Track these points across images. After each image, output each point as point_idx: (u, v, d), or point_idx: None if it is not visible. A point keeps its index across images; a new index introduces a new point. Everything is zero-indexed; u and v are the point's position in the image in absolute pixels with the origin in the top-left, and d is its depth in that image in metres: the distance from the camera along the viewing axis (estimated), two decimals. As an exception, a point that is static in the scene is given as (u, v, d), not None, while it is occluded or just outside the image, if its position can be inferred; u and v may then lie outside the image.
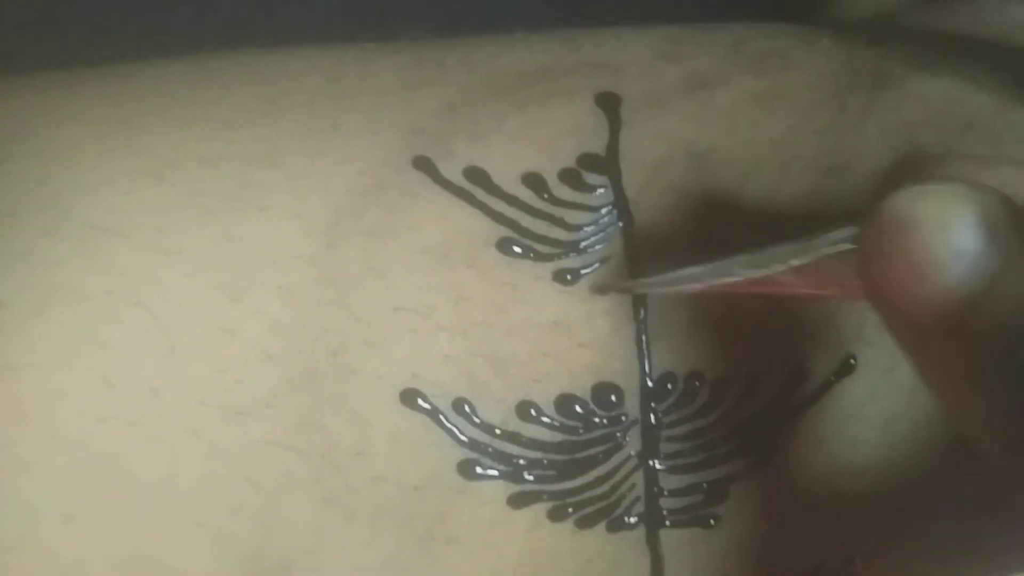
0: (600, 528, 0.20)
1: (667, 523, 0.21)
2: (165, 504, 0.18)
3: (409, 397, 0.19)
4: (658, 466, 0.20)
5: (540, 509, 0.20)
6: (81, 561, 0.18)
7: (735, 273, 0.18)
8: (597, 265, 0.20)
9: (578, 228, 0.20)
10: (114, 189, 0.19)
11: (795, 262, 0.17)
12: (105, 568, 0.18)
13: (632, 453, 0.20)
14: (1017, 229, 0.15)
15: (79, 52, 0.22)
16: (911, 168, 0.17)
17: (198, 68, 0.22)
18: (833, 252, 0.16)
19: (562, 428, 0.20)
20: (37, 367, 0.18)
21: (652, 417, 0.20)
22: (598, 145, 0.20)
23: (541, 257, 0.20)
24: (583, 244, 0.20)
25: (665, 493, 0.20)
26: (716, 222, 0.20)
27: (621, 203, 0.20)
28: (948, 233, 0.15)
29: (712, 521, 0.21)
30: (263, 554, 0.19)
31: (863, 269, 0.16)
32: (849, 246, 0.16)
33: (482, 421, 0.20)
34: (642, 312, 0.20)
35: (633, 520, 0.20)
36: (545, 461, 0.20)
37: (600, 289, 0.20)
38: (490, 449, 0.20)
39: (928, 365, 0.16)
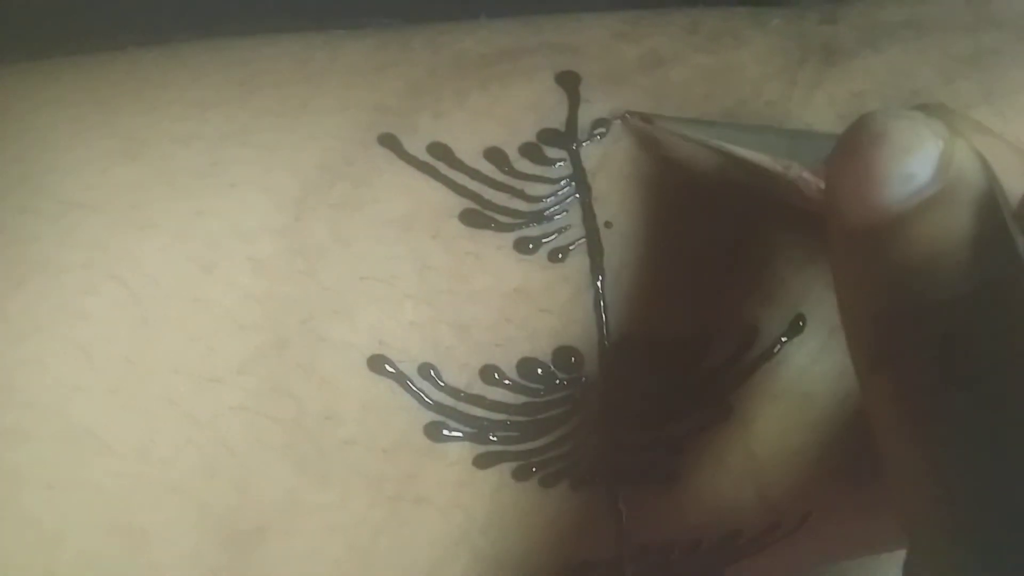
0: (563, 486, 0.21)
1: (627, 480, 0.21)
2: (142, 470, 0.19)
3: (376, 363, 0.20)
4: (617, 425, 0.21)
5: (505, 469, 0.21)
6: (62, 527, 0.19)
7: (736, 140, 0.20)
8: (556, 235, 0.21)
9: (538, 199, 0.21)
10: (89, 167, 0.20)
11: (789, 150, 0.19)
12: (86, 534, 0.19)
13: (592, 413, 0.21)
14: (973, 187, 0.16)
15: (59, 44, 0.22)
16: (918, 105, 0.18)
17: (172, 54, 0.22)
18: (821, 150, 0.18)
19: (524, 390, 0.20)
20: (16, 338, 0.19)
21: (610, 378, 0.21)
22: (558, 120, 0.21)
23: (502, 227, 0.20)
24: (543, 214, 0.21)
25: (624, 451, 0.21)
26: (670, 190, 0.21)
27: (579, 175, 0.21)
28: (906, 155, 0.16)
29: (670, 477, 0.21)
30: (239, 518, 0.20)
31: (829, 168, 0.17)
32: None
33: (447, 385, 0.20)
34: (600, 278, 0.20)
35: (595, 478, 0.21)
36: (508, 422, 0.21)
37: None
38: (455, 412, 0.20)
39: (843, 271, 0.17)
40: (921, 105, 0.18)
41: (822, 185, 0.18)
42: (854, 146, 0.16)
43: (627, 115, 0.21)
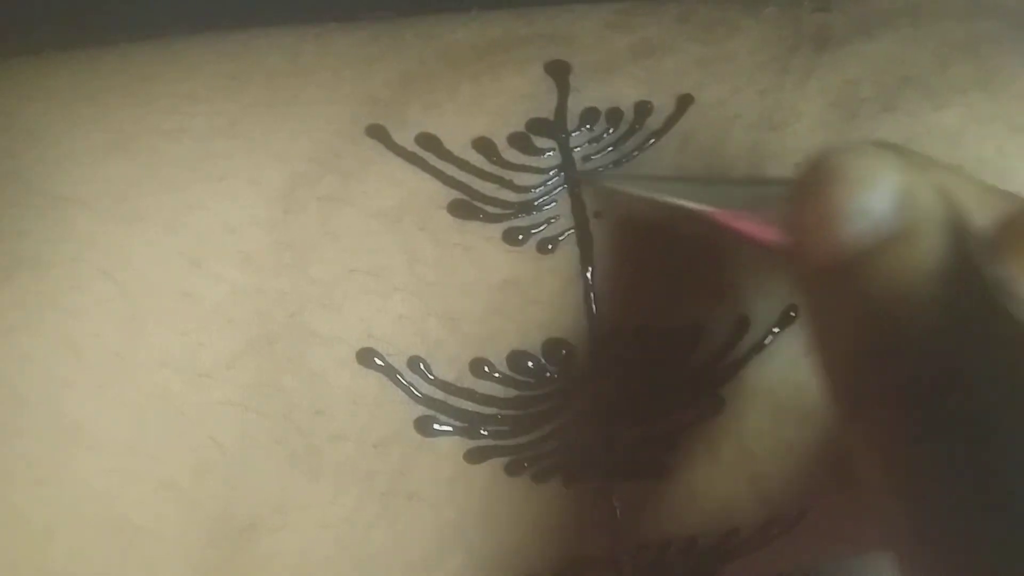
0: (556, 482, 0.21)
1: (621, 475, 0.21)
2: (132, 466, 0.19)
3: (365, 356, 0.20)
4: (609, 419, 0.21)
5: (497, 464, 0.21)
6: (52, 524, 0.19)
7: (686, 197, 0.19)
8: (545, 225, 0.20)
9: (527, 190, 0.21)
10: (78, 162, 0.20)
11: (746, 199, 0.18)
12: (76, 530, 0.19)
13: (583, 407, 0.21)
14: (936, 219, 0.15)
15: (50, 38, 0.22)
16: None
17: (162, 48, 0.22)
18: (778, 195, 0.17)
19: (514, 384, 0.20)
20: (4, 333, 0.18)
21: (601, 370, 0.20)
22: (547, 110, 0.21)
23: (491, 218, 0.20)
24: (532, 204, 0.20)
25: (617, 445, 0.21)
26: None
27: (568, 165, 0.21)
28: (864, 190, 0.16)
29: (664, 472, 0.21)
30: (229, 514, 0.20)
31: (789, 211, 0.16)
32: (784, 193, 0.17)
33: (437, 378, 0.20)
34: (590, 269, 0.20)
35: (587, 473, 0.21)
36: (499, 416, 0.20)
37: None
38: (445, 406, 0.20)
39: (812, 314, 0.17)
40: (876, 141, 0.17)
41: (774, 232, 0.18)
42: (811, 184, 0.16)
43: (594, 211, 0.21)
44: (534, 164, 0.21)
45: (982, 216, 0.16)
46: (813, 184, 0.16)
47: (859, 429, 0.15)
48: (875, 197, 0.15)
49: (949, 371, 0.14)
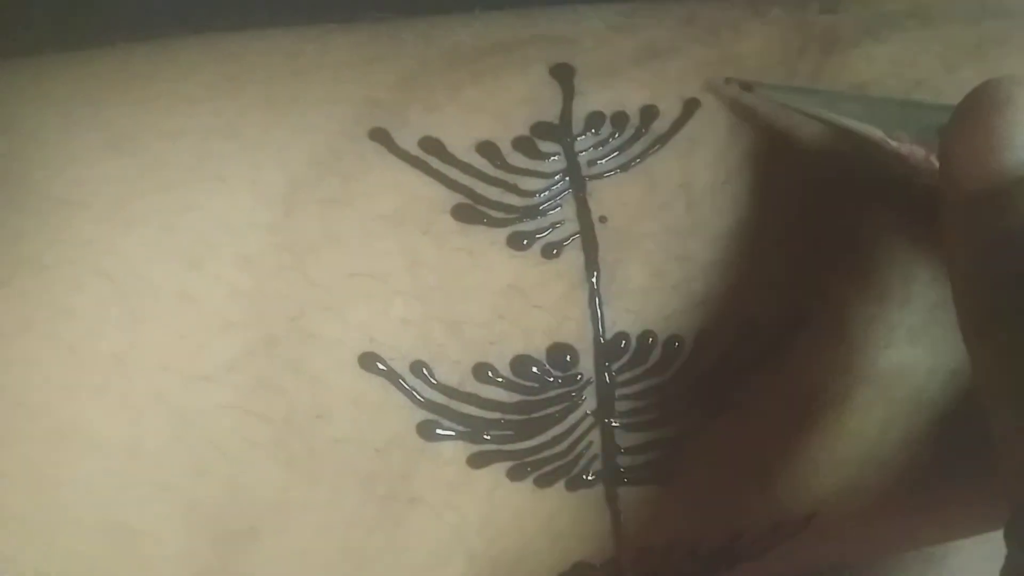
0: (559, 487, 0.21)
1: (625, 480, 0.21)
2: (132, 469, 0.19)
3: (367, 360, 0.20)
4: (614, 424, 0.21)
5: (500, 469, 0.20)
6: (51, 526, 0.19)
7: (843, 110, 0.19)
8: (550, 230, 0.20)
9: (532, 194, 0.20)
10: (76, 163, 0.19)
11: (899, 120, 0.19)
12: (75, 533, 0.19)
13: (588, 412, 0.21)
14: None
15: (49, 39, 0.22)
16: None
17: (161, 49, 0.22)
18: (931, 120, 0.18)
19: (518, 388, 0.20)
20: (2, 336, 0.18)
21: (606, 376, 0.20)
22: (551, 114, 0.21)
23: (495, 223, 0.20)
24: (537, 209, 0.20)
25: (622, 450, 0.21)
26: (667, 184, 0.21)
27: (574, 169, 0.21)
28: None
29: (669, 477, 0.21)
30: (230, 517, 0.20)
31: (943, 139, 0.17)
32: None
33: (439, 383, 0.20)
34: (595, 274, 0.20)
35: (591, 478, 0.21)
36: (503, 421, 0.20)
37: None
38: (448, 410, 0.20)
39: (957, 239, 0.17)
40: None
41: (931, 156, 0.18)
42: (976, 110, 0.16)
43: (727, 81, 0.21)
44: (539, 168, 0.20)
45: None
46: (979, 108, 0.16)
47: (986, 349, 0.16)
48: None
49: None
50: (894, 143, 0.19)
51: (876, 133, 0.19)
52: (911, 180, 0.19)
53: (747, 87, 0.20)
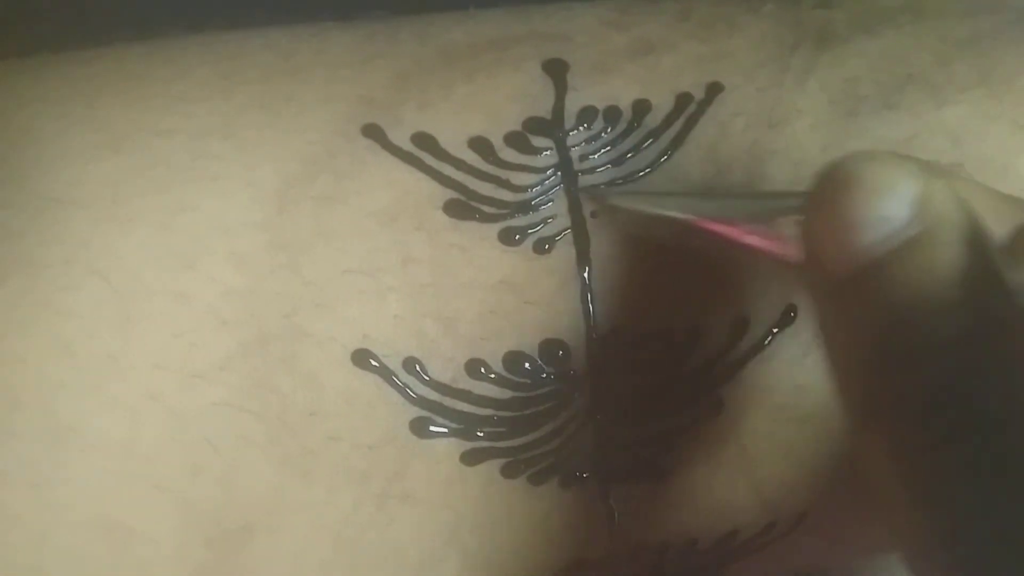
0: (553, 484, 0.21)
1: (618, 477, 0.21)
2: (127, 468, 0.19)
3: (360, 357, 0.20)
4: (607, 420, 0.21)
5: (493, 466, 0.20)
6: (47, 525, 0.19)
7: (698, 210, 0.19)
8: (542, 225, 0.20)
9: (524, 189, 0.20)
10: (71, 162, 0.20)
11: (753, 213, 0.18)
12: (70, 531, 0.19)
13: (580, 408, 0.20)
14: (955, 225, 0.15)
15: (45, 39, 0.22)
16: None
17: (157, 49, 0.22)
18: (786, 207, 0.17)
19: (511, 385, 0.20)
20: None
21: (599, 372, 0.20)
22: (544, 109, 0.21)
23: (487, 218, 0.20)
24: (529, 204, 0.20)
25: (615, 447, 0.21)
26: (659, 179, 0.21)
27: (566, 164, 0.21)
28: (880, 197, 0.15)
29: (662, 474, 0.21)
30: (224, 516, 0.20)
31: (804, 221, 0.16)
32: (799, 204, 0.17)
33: (432, 379, 0.20)
34: (587, 269, 0.20)
35: (585, 475, 0.21)
36: (495, 418, 0.20)
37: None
38: (441, 407, 0.20)
39: (828, 323, 0.16)
40: (891, 152, 0.17)
41: (785, 244, 0.18)
42: (827, 193, 0.16)
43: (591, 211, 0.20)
44: (531, 163, 0.20)
45: (996, 223, 0.16)
46: (829, 192, 0.16)
47: (874, 437, 0.15)
48: (893, 204, 0.15)
49: (970, 376, 0.14)
50: (733, 234, 0.19)
51: (716, 227, 0.19)
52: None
53: (598, 200, 0.20)
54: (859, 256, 0.15)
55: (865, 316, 0.15)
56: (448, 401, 0.20)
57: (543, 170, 0.20)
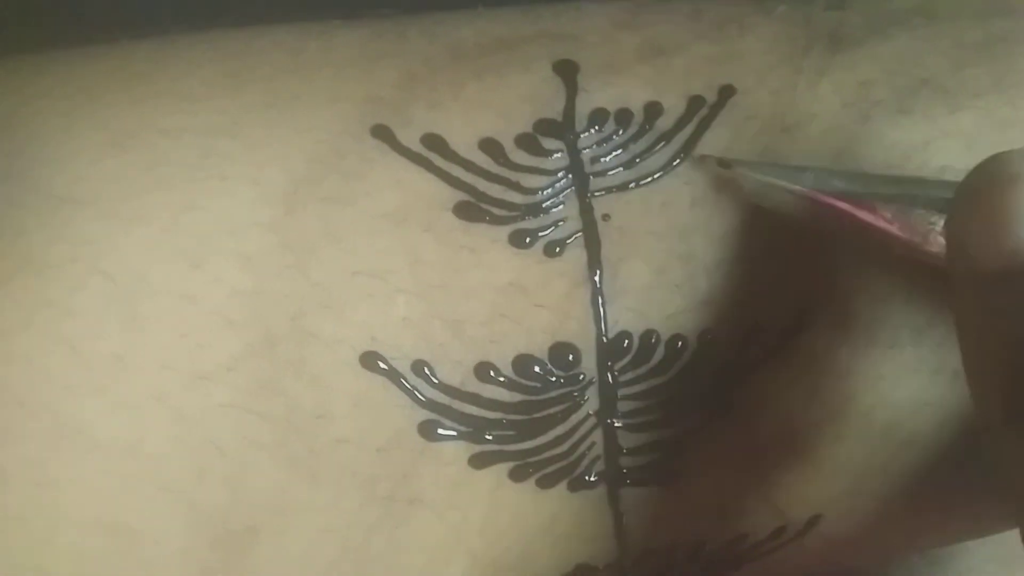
0: (561, 487, 0.21)
1: (627, 481, 0.21)
2: (132, 469, 0.19)
3: (368, 359, 0.19)
4: (616, 424, 0.21)
5: (501, 469, 0.20)
6: (52, 526, 0.19)
7: (831, 187, 0.19)
8: (553, 228, 0.20)
9: (534, 191, 0.20)
10: (77, 161, 0.19)
11: (890, 197, 0.18)
12: (75, 533, 0.19)
13: (590, 412, 0.20)
14: None
15: (51, 37, 0.22)
16: None
17: (164, 47, 0.22)
18: (930, 196, 0.17)
19: (520, 388, 0.20)
20: (3, 334, 0.18)
21: (609, 376, 0.20)
22: (554, 111, 0.21)
23: (497, 220, 0.20)
24: (540, 207, 0.20)
25: (624, 451, 0.21)
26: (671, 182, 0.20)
27: (577, 167, 0.20)
28: None
29: (671, 478, 0.21)
30: (230, 518, 0.20)
31: (951, 216, 0.16)
32: (948, 195, 0.17)
33: (441, 382, 0.20)
34: (598, 273, 0.20)
35: (593, 479, 0.21)
36: (504, 421, 0.20)
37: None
38: (450, 410, 0.20)
39: (971, 319, 0.16)
40: None
41: (929, 234, 0.17)
42: (984, 187, 0.16)
43: (701, 157, 0.20)
44: (542, 166, 0.20)
45: None
46: (985, 185, 0.16)
47: (1015, 436, 0.15)
48: None
49: None
50: (881, 223, 0.18)
51: (869, 218, 0.18)
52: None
53: (725, 164, 0.20)
54: (1012, 255, 0.15)
55: (1015, 313, 0.15)
56: (457, 404, 0.20)
57: (554, 172, 0.20)
